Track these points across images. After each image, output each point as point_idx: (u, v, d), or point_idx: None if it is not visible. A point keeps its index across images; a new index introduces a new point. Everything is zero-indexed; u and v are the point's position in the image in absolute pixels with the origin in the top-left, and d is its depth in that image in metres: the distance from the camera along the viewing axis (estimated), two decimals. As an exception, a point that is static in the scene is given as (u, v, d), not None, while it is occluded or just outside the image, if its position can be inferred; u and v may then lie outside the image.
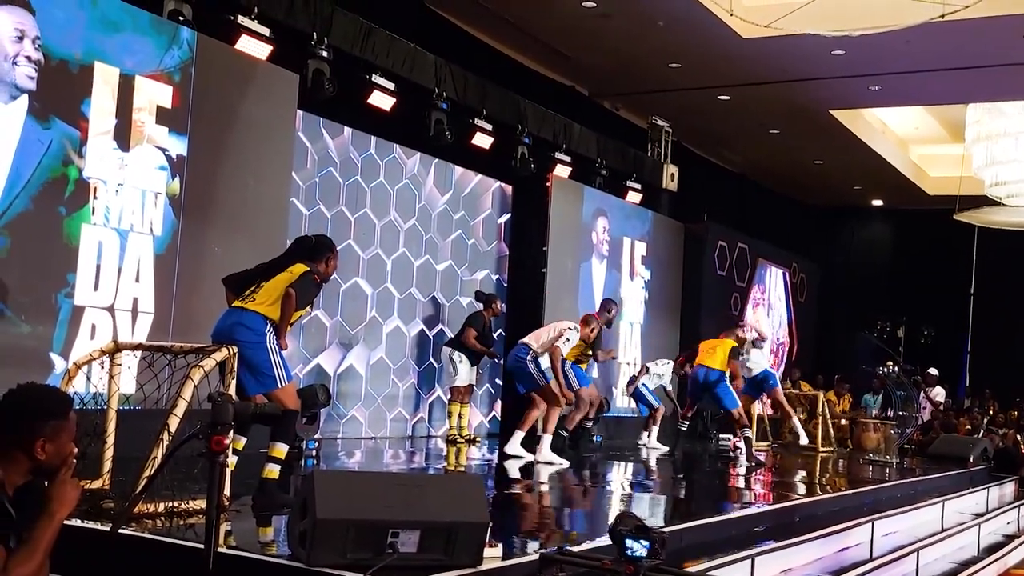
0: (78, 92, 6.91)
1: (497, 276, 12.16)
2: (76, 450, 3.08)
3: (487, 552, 4.06)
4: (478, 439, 10.85)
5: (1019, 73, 12.49)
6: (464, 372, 10.37)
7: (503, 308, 11.30)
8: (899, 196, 19.60)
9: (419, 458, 9.37)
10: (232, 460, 5.45)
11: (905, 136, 17.76)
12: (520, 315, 11.89)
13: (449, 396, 10.58)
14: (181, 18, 7.68)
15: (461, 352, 10.36)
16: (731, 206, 17.39)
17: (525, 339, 9.25)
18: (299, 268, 5.63)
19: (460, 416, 10.46)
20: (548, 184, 12.17)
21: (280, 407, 5.37)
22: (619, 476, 9.11)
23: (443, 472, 8.25)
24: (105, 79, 7.09)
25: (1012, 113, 14.74)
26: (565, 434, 10.05)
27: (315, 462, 7.81)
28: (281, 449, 5.48)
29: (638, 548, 3.48)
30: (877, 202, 20.80)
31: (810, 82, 13.27)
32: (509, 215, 12.34)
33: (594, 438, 11.39)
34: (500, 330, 11.73)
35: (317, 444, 8.10)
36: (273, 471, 5.44)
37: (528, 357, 9.08)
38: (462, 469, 8.60)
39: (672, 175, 14.87)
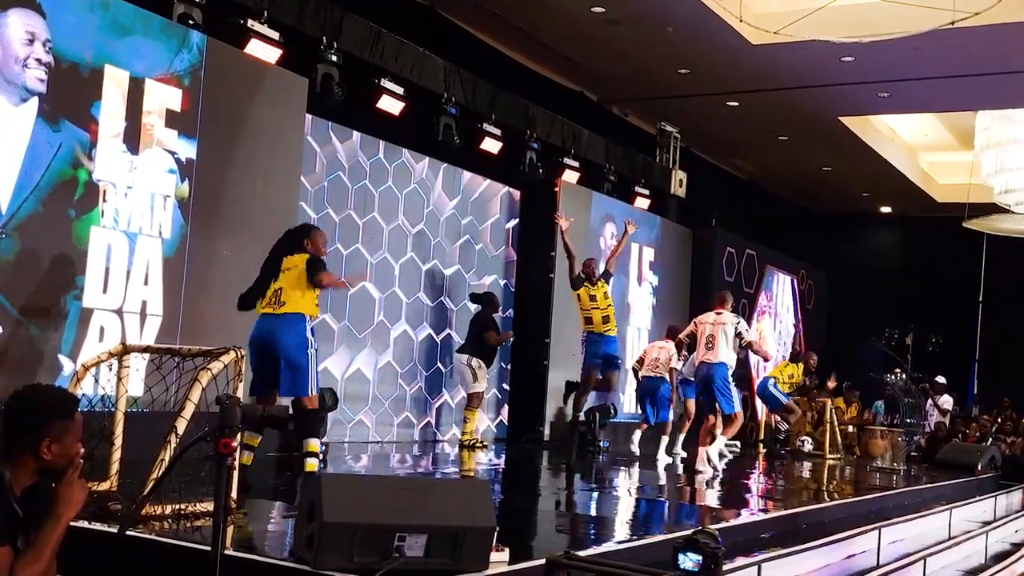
0: (88, 95, 6.94)
1: (505, 281, 12.16)
2: (83, 450, 3.08)
3: (494, 556, 4.06)
4: (486, 443, 10.86)
5: (1028, 80, 12.47)
6: (483, 377, 10.34)
7: (508, 312, 11.32)
8: (908, 203, 19.56)
9: (426, 462, 9.37)
10: (248, 456, 6.18)
11: (914, 143, 17.73)
12: (527, 321, 11.90)
13: (467, 403, 10.50)
14: (191, 22, 7.70)
15: (478, 358, 10.29)
16: (739, 212, 17.37)
17: (713, 358, 9.33)
18: (300, 259, 6.42)
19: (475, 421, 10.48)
20: (556, 189, 12.16)
21: (300, 408, 6.38)
22: (626, 482, 9.10)
23: (458, 477, 8.25)
24: (115, 82, 7.11)
25: (1021, 120, 14.68)
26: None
27: (323, 466, 7.81)
28: (314, 444, 6.38)
29: (687, 562, 3.47)
30: (886, 209, 20.76)
31: (819, 89, 13.25)
32: (517, 220, 12.35)
33: (600, 443, 11.40)
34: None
35: (324, 448, 8.09)
36: (312, 464, 6.32)
37: (731, 375, 9.40)
38: (476, 474, 8.58)
39: (680, 181, 14.87)
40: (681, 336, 10.29)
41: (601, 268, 11.02)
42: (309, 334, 6.31)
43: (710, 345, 9.38)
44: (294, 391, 6.36)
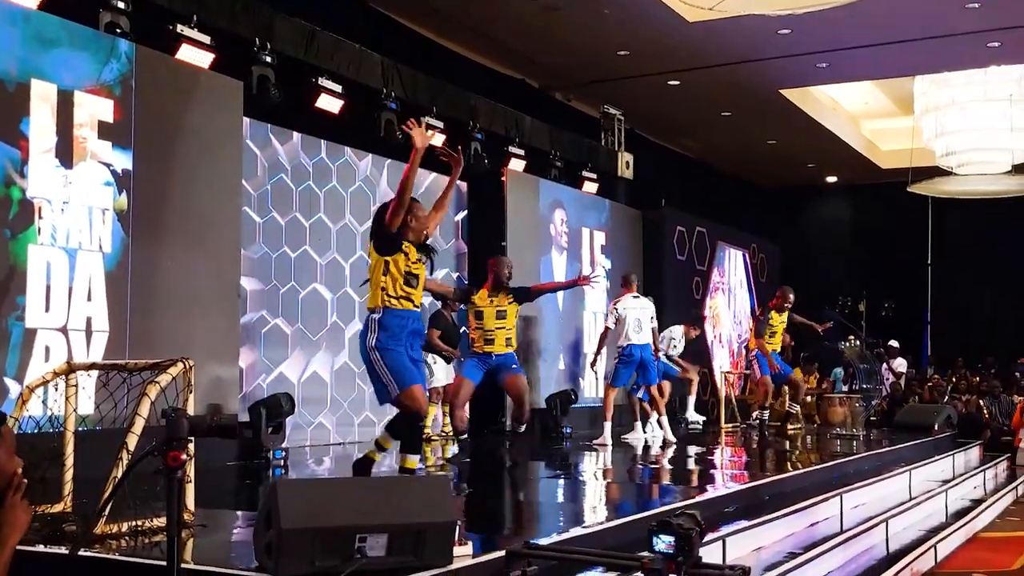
0: (16, 111, 6.78)
1: (458, 274, 12.12)
2: (20, 468, 2.95)
3: (457, 551, 4.04)
4: (451, 434, 10.82)
5: (962, 43, 12.61)
6: (440, 372, 10.31)
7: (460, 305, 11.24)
8: (853, 172, 19.76)
9: (390, 461, 9.29)
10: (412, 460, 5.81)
11: (855, 112, 17.90)
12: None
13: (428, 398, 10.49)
14: (119, 30, 7.55)
15: (432, 352, 10.27)
16: (688, 191, 17.45)
17: (643, 339, 10.34)
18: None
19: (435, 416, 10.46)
20: (503, 179, 12.15)
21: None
22: (590, 466, 9.11)
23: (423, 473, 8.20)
24: (43, 96, 6.96)
25: (958, 83, 14.89)
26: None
27: (283, 471, 7.76)
28: (411, 459, 5.66)
29: (660, 544, 3.48)
30: (832, 179, 20.97)
31: (758, 63, 13.32)
32: (465, 212, 12.30)
33: (563, 429, 11.45)
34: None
35: (284, 453, 8.04)
36: None
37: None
38: (438, 468, 8.53)
39: (627, 163, 14.90)
40: (608, 324, 10.67)
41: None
42: (370, 334, 5.68)
43: (639, 327, 10.35)
44: (382, 399, 5.83)
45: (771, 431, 11.66)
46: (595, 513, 6.39)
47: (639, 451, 10.17)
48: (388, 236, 5.67)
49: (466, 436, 8.91)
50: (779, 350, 12.00)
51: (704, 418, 12.10)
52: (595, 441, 10.49)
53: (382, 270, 5.68)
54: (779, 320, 11.92)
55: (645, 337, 10.37)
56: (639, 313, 10.39)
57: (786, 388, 12.46)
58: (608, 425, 10.47)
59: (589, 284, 9.49)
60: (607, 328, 10.66)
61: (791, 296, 11.50)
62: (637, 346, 10.31)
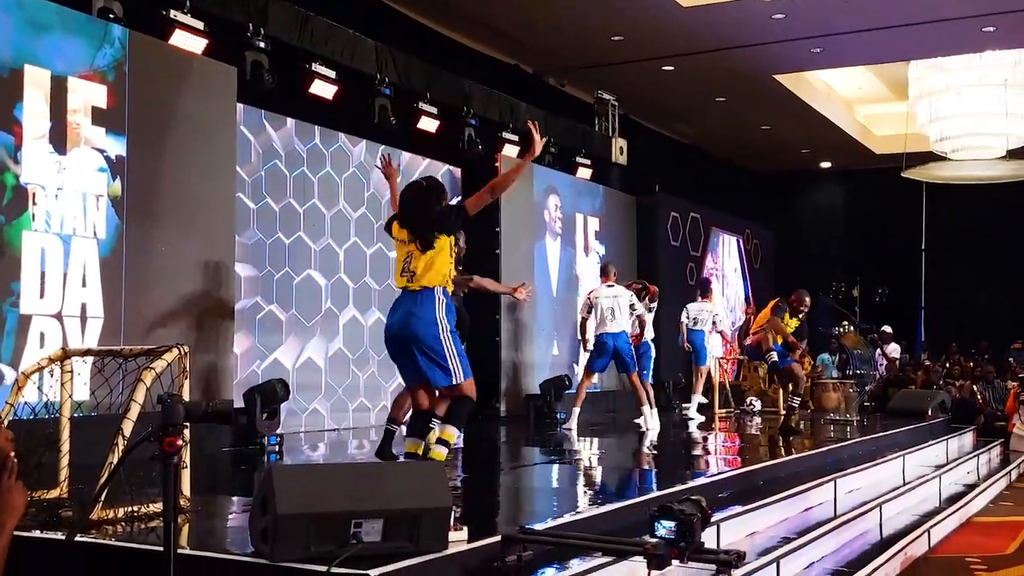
0: (9, 97, 6.76)
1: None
2: (11, 447, 2.91)
3: (452, 536, 4.05)
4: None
5: (957, 28, 12.61)
6: None
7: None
8: (847, 157, 19.78)
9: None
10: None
11: (850, 97, 17.90)
12: (477, 298, 11.85)
13: None
14: (112, 15, 7.53)
15: None
16: (682, 177, 17.45)
17: (616, 327, 10.20)
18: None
19: None
20: (497, 164, 12.11)
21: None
22: (585, 452, 9.13)
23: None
24: (36, 82, 6.94)
25: (953, 68, 14.90)
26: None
27: (278, 457, 7.77)
28: (451, 433, 5.45)
29: (662, 530, 3.50)
30: (826, 164, 20.98)
31: (752, 48, 13.31)
32: (459, 198, 12.28)
33: (558, 415, 11.47)
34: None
35: (279, 439, 8.04)
36: (440, 453, 5.43)
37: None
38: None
39: (621, 149, 14.90)
40: (583, 314, 10.72)
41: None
42: (438, 312, 5.42)
43: (612, 316, 10.30)
44: (442, 381, 5.51)
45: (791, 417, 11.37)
46: (589, 498, 6.40)
47: (638, 436, 10.18)
48: (463, 219, 5.72)
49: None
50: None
51: (703, 418, 12.07)
52: (563, 426, 10.50)
53: (449, 251, 5.61)
54: (790, 322, 11.72)
55: (619, 326, 10.27)
56: (612, 302, 10.33)
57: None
58: (576, 411, 10.46)
59: (522, 300, 8.81)
60: (583, 318, 10.68)
61: (807, 300, 10.75)
62: (610, 334, 10.24)
